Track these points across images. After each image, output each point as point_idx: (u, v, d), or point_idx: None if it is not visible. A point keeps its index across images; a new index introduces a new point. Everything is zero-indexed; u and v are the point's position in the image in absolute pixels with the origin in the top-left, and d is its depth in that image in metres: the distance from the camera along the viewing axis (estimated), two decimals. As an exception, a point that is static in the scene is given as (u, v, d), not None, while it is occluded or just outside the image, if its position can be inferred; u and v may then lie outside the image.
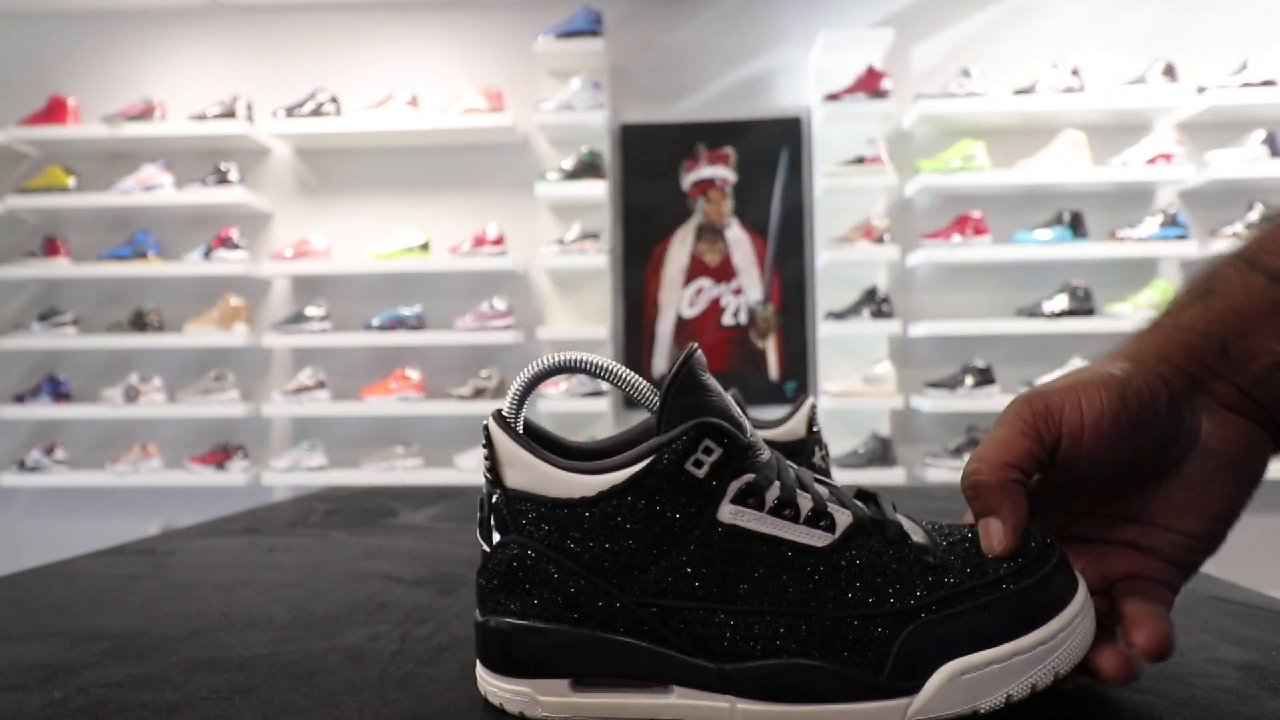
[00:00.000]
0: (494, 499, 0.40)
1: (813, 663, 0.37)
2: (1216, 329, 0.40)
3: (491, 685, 0.40)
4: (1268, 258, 0.40)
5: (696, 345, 0.40)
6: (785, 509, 0.38)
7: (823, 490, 0.40)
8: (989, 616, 0.37)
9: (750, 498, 0.38)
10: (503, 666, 0.40)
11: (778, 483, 0.38)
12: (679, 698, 0.38)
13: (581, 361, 0.40)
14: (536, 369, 0.40)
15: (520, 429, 0.41)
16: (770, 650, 0.37)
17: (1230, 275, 0.41)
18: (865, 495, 0.42)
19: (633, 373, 0.41)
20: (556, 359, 0.40)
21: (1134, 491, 0.41)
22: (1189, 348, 0.40)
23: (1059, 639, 0.37)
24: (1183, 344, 0.41)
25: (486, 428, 0.40)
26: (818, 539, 0.38)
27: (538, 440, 0.42)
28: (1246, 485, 0.41)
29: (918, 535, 0.39)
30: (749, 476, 0.38)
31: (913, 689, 0.36)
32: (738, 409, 0.40)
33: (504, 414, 0.41)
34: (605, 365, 0.40)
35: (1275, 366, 0.40)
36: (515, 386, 0.41)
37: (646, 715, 0.38)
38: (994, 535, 0.38)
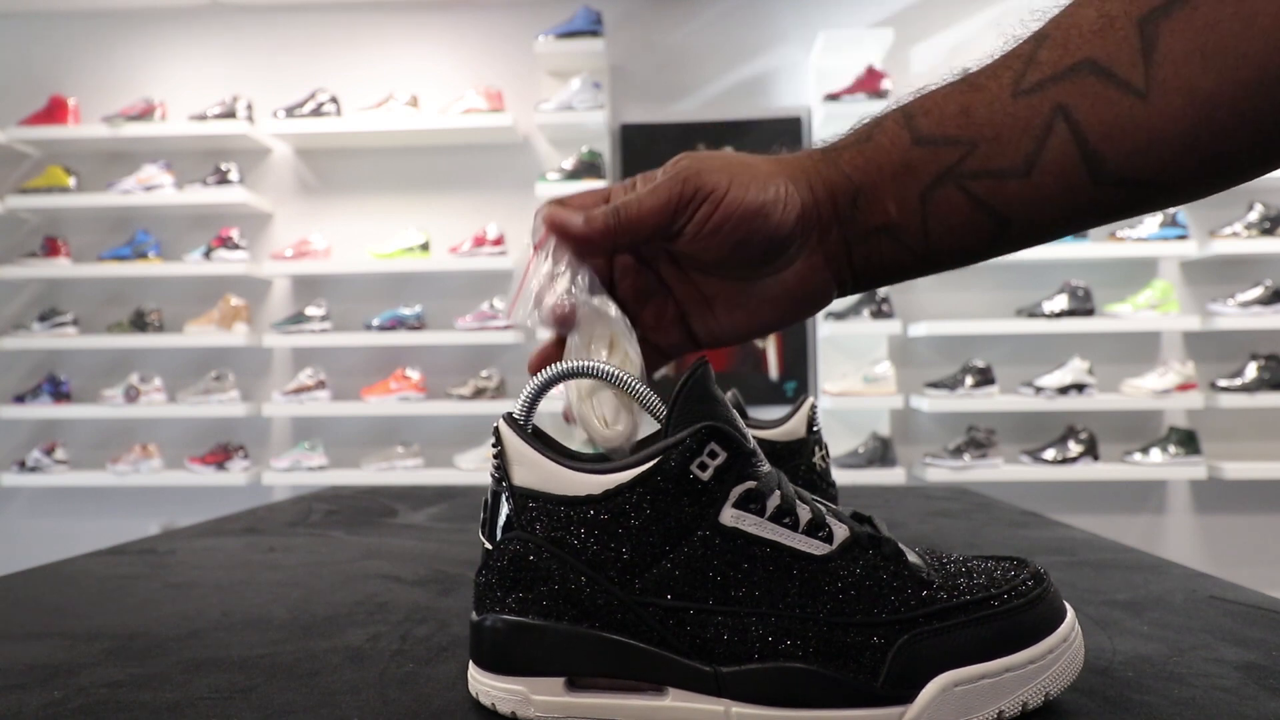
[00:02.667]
0: (500, 496, 0.40)
1: (809, 668, 0.37)
2: (859, 177, 0.42)
3: (484, 684, 0.40)
4: (922, 118, 0.41)
5: (705, 358, 0.41)
6: (785, 517, 0.38)
7: (820, 507, 0.40)
8: (981, 631, 0.37)
9: (752, 503, 0.38)
10: (497, 665, 0.40)
11: (778, 492, 0.39)
12: (674, 700, 0.38)
13: (594, 369, 0.41)
14: (549, 374, 0.41)
15: (529, 431, 0.41)
16: (767, 654, 0.37)
17: (890, 127, 0.42)
18: (861, 517, 0.42)
19: (642, 381, 0.41)
20: (569, 365, 0.41)
21: (716, 273, 0.44)
22: (834, 189, 0.42)
23: (1049, 660, 0.38)
24: (833, 183, 0.42)
25: (497, 428, 0.40)
26: (816, 548, 0.38)
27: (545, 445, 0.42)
28: (783, 320, 0.45)
29: (912, 555, 0.40)
30: (751, 483, 0.38)
31: (907, 698, 0.36)
32: (742, 423, 0.40)
33: (514, 416, 0.41)
34: (616, 374, 0.41)
35: (880, 228, 0.42)
36: (527, 390, 0.41)
37: (641, 718, 0.38)
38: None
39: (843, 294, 0.45)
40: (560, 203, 0.43)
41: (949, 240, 0.42)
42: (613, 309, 0.43)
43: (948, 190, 0.40)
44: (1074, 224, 0.41)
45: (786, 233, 0.41)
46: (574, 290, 0.42)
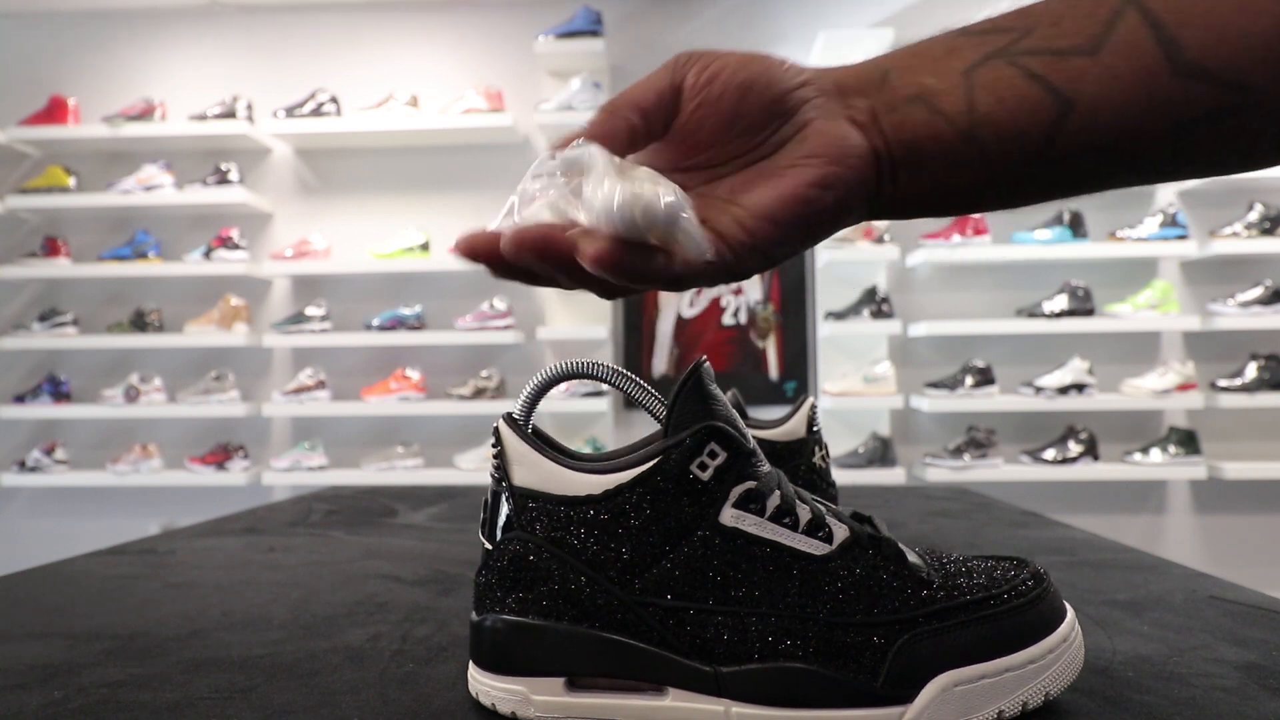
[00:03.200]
0: (500, 496, 0.40)
1: (809, 668, 0.37)
2: (886, 62, 0.38)
3: (484, 684, 0.40)
4: (975, 24, 0.38)
5: (705, 357, 0.40)
6: (785, 517, 0.38)
7: (820, 507, 0.40)
8: (980, 631, 0.37)
9: (752, 503, 0.38)
10: (497, 665, 0.40)
11: (778, 492, 0.39)
12: (674, 700, 0.38)
13: (593, 368, 0.41)
14: (549, 374, 0.41)
15: (529, 431, 0.41)
16: (767, 654, 0.37)
17: (937, 34, 0.39)
18: (861, 517, 0.42)
19: (642, 382, 0.41)
20: (569, 365, 0.41)
21: (722, 157, 0.39)
22: (854, 71, 0.38)
23: (1049, 660, 0.38)
24: (857, 69, 0.38)
25: (497, 428, 0.40)
26: (816, 548, 0.38)
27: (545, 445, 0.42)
28: (821, 184, 0.36)
29: (912, 556, 0.40)
30: (751, 483, 0.38)
31: (907, 698, 0.37)
32: (742, 423, 0.40)
33: (514, 416, 0.41)
34: (616, 373, 0.41)
35: (916, 95, 0.37)
36: (527, 390, 0.41)
37: (641, 718, 0.38)
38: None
39: (889, 194, 0.38)
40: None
41: (999, 113, 0.35)
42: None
43: (996, 66, 0.36)
44: (1151, 117, 0.34)
45: (789, 83, 0.37)
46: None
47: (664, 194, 0.32)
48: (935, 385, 2.88)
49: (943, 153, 0.37)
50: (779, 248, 0.37)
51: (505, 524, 0.40)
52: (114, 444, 3.18)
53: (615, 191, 0.32)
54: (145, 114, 3.05)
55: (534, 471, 0.40)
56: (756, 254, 0.36)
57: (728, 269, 0.36)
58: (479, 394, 2.98)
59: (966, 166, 0.37)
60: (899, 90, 0.37)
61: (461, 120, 2.94)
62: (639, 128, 0.37)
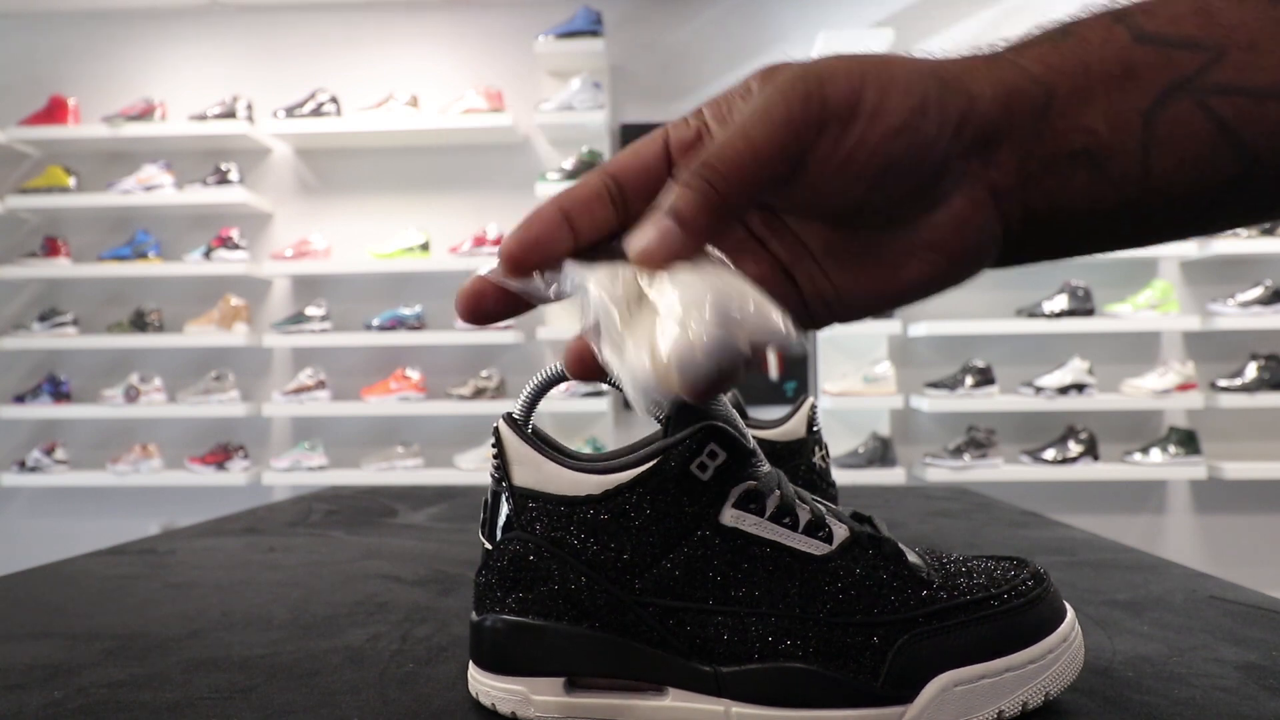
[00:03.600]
0: (500, 496, 0.40)
1: (809, 668, 0.37)
2: (1051, 77, 0.30)
3: (484, 684, 0.40)
4: (1142, 15, 0.30)
5: None
6: (785, 517, 0.38)
7: (820, 507, 0.40)
8: (980, 631, 0.37)
9: (752, 503, 0.38)
10: (497, 665, 0.40)
11: (778, 492, 0.39)
12: (674, 700, 0.38)
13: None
14: (549, 374, 0.41)
15: (529, 431, 0.41)
16: (767, 654, 0.37)
17: (1095, 24, 0.31)
18: (861, 517, 0.42)
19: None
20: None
21: (834, 221, 0.32)
22: (1013, 92, 0.30)
23: (1048, 660, 0.38)
24: (1010, 85, 0.30)
25: (497, 428, 0.40)
26: (816, 548, 0.38)
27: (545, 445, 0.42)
28: (932, 289, 0.32)
29: (912, 555, 0.40)
30: (751, 483, 0.38)
31: (907, 698, 0.36)
32: (742, 423, 0.40)
33: (514, 416, 0.41)
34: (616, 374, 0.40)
35: (1079, 151, 0.30)
36: (526, 391, 0.41)
37: (641, 718, 0.38)
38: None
39: (1004, 254, 0.33)
40: (577, 193, 0.30)
41: (1176, 178, 0.29)
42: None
43: (1183, 106, 0.29)
44: None
45: (941, 153, 0.29)
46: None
47: (701, 334, 0.26)
48: (935, 385, 2.88)
49: (1095, 222, 0.31)
50: (860, 318, 0.33)
51: (505, 524, 0.40)
52: (114, 444, 3.18)
53: (632, 362, 0.27)
54: (145, 114, 3.05)
55: (534, 471, 0.40)
56: (838, 323, 0.33)
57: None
58: (479, 394, 2.98)
59: (1115, 232, 0.32)
60: (1062, 139, 0.30)
61: (461, 120, 2.94)
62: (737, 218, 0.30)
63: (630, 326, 0.28)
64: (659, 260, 0.28)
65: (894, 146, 0.29)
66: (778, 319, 0.27)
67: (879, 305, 0.33)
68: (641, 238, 0.28)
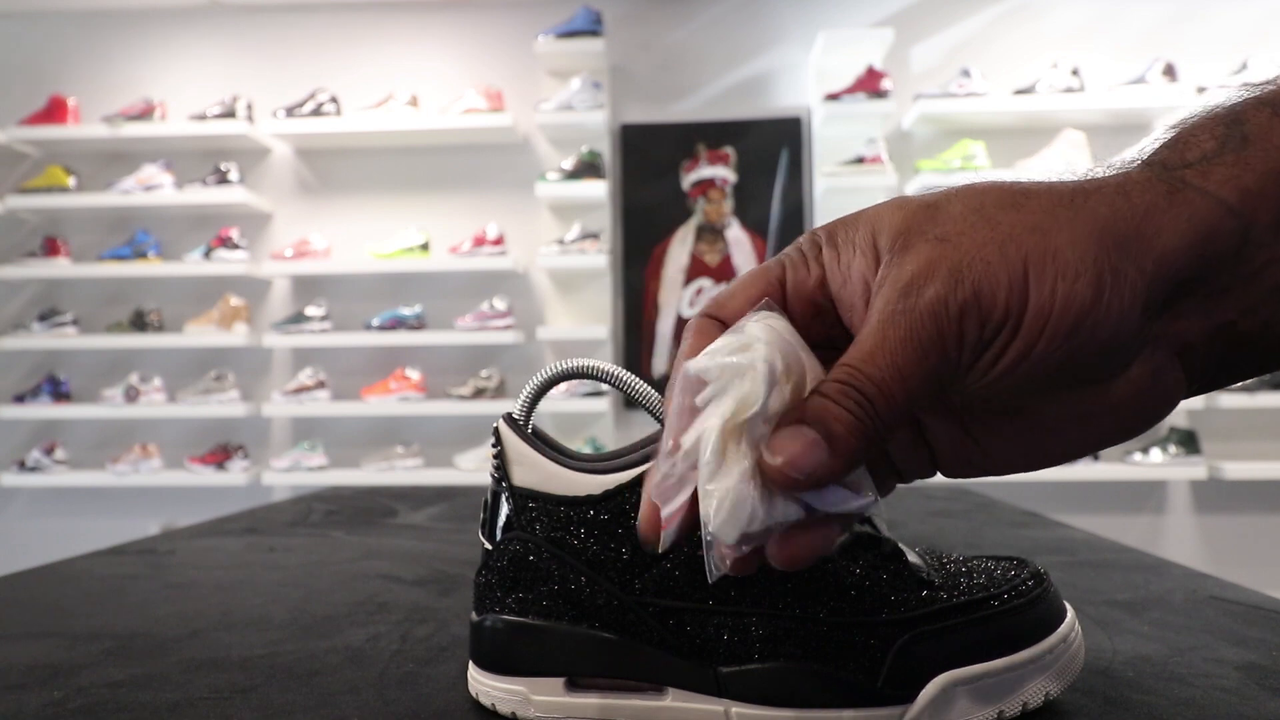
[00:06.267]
0: (500, 496, 0.40)
1: (809, 668, 0.37)
2: (1249, 205, 0.25)
3: (484, 685, 0.40)
4: None
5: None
6: None
7: None
8: (981, 632, 0.37)
9: (751, 503, 0.38)
10: (497, 665, 0.40)
11: None
12: (674, 700, 0.38)
13: (593, 369, 0.40)
14: (549, 373, 0.41)
15: (529, 431, 0.41)
16: (767, 654, 0.37)
17: (1262, 120, 0.25)
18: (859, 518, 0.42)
19: (642, 381, 0.41)
20: (569, 365, 0.40)
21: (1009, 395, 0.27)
22: (1208, 237, 0.25)
23: (1048, 660, 0.38)
24: (1203, 230, 0.25)
25: (497, 428, 0.40)
26: None
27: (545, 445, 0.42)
28: (1104, 443, 0.28)
29: (912, 555, 0.40)
30: None
31: (907, 697, 0.36)
32: None
33: (514, 416, 0.41)
34: (616, 373, 0.40)
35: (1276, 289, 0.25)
36: (526, 390, 0.41)
37: (641, 718, 0.38)
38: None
39: (1189, 394, 0.28)
40: (700, 335, 0.28)
41: None
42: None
43: None
44: None
45: (1127, 338, 0.25)
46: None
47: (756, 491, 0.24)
48: (935, 385, 2.87)
49: None
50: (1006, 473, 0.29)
51: (505, 524, 0.40)
52: (114, 444, 3.18)
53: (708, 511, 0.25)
54: (145, 114, 3.05)
55: (534, 471, 0.40)
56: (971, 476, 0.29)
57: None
58: (479, 394, 2.98)
59: None
60: (1261, 272, 0.25)
61: (461, 120, 2.94)
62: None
63: (717, 478, 0.25)
64: (799, 477, 0.24)
65: (1069, 347, 0.25)
66: (862, 498, 0.26)
67: (1030, 467, 0.29)
68: (786, 447, 0.24)
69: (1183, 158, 0.26)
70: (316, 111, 3.02)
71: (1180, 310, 0.26)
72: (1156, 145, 0.27)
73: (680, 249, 3.11)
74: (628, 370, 0.41)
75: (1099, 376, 0.26)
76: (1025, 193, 0.26)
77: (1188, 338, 0.26)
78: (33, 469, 3.06)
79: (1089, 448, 0.28)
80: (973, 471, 0.30)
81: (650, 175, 3.12)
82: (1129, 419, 0.27)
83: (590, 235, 2.94)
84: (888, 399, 0.25)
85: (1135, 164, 0.27)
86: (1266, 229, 0.25)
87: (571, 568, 0.39)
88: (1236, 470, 2.76)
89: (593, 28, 2.92)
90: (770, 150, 3.08)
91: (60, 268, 3.04)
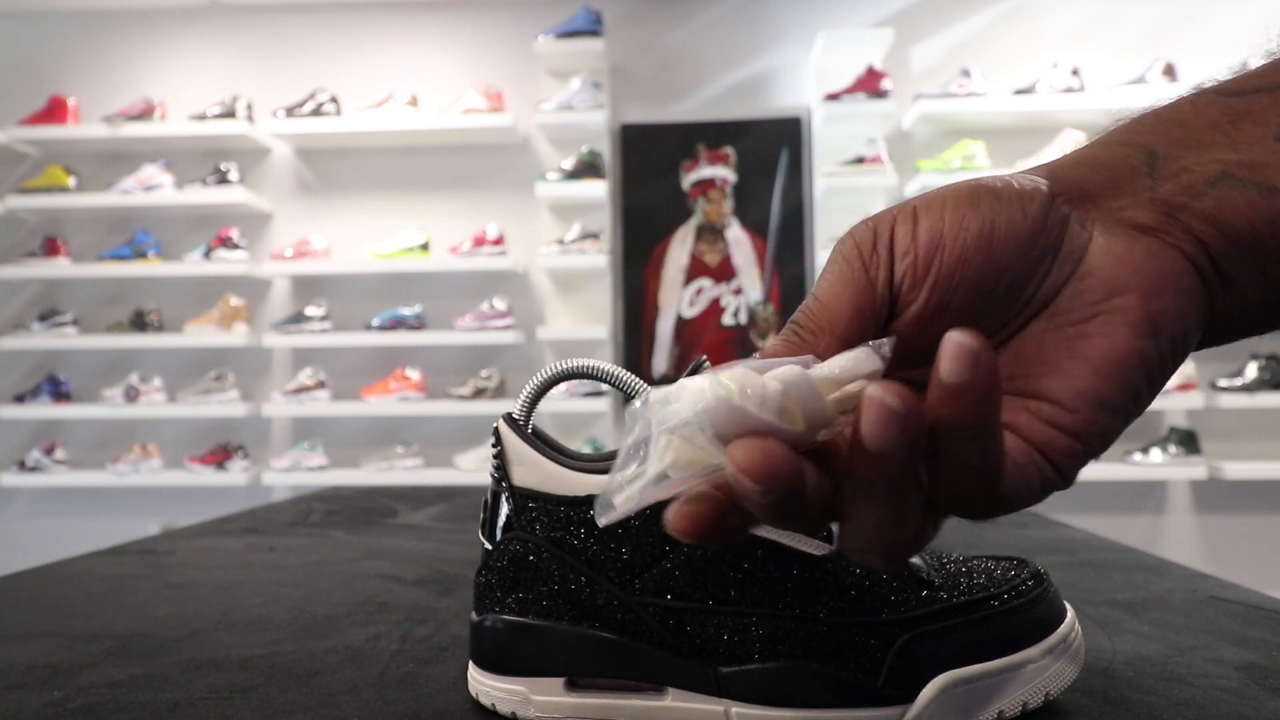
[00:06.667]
0: (500, 496, 0.40)
1: (809, 668, 0.37)
2: (1143, 139, 0.29)
3: (484, 685, 0.40)
4: (1226, 84, 0.30)
5: (705, 357, 0.40)
6: None
7: None
8: (981, 632, 0.37)
9: (752, 502, 0.38)
10: (497, 665, 0.40)
11: None
12: (674, 700, 0.38)
13: (593, 369, 0.40)
14: (549, 374, 0.41)
15: (529, 431, 0.41)
16: (767, 654, 0.37)
17: (1179, 102, 0.30)
18: None
19: (642, 381, 0.41)
20: (569, 365, 0.40)
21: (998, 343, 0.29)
22: (1102, 161, 0.29)
23: (1048, 660, 0.38)
24: (1095, 158, 0.29)
25: (497, 428, 0.40)
26: (816, 548, 0.38)
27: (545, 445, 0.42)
28: (1149, 333, 0.27)
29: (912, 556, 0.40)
30: None
31: (907, 698, 0.36)
32: None
33: (514, 416, 0.41)
34: (615, 373, 0.40)
35: (1221, 176, 0.27)
36: (526, 390, 0.41)
37: (641, 718, 0.38)
38: None
39: (1206, 288, 0.28)
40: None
41: None
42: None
43: None
44: None
45: (1033, 211, 0.28)
46: None
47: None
48: (935, 385, 2.87)
49: None
50: (1114, 434, 0.27)
51: (505, 524, 0.40)
52: (114, 444, 3.18)
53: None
54: (145, 114, 3.05)
55: (534, 471, 0.40)
56: (1091, 456, 0.27)
57: (1051, 489, 0.26)
58: (479, 394, 2.98)
59: None
60: (1186, 171, 0.28)
61: (461, 120, 2.94)
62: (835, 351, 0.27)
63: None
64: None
65: (969, 230, 0.28)
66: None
67: (1120, 395, 0.27)
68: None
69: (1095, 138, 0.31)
70: (316, 111, 3.02)
71: (1112, 205, 0.28)
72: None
73: (680, 249, 3.12)
74: (628, 370, 0.41)
75: (1047, 278, 0.28)
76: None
77: (1137, 219, 0.28)
78: (33, 469, 3.06)
79: (1130, 343, 0.27)
80: (1079, 450, 0.27)
81: (650, 175, 3.12)
82: (1139, 292, 0.27)
83: (590, 235, 2.94)
84: (812, 324, 0.28)
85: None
86: (1172, 149, 0.28)
87: (571, 568, 0.39)
88: (1236, 470, 2.76)
89: (593, 28, 2.92)
90: (770, 150, 3.08)
91: (60, 268, 3.04)
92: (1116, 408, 0.27)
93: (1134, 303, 0.27)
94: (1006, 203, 0.28)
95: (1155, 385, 0.27)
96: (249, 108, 3.05)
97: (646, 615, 0.38)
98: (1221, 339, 0.30)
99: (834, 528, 0.39)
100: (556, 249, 2.92)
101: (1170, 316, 0.27)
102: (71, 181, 3.07)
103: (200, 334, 3.02)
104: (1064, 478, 0.26)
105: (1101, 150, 0.29)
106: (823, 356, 0.26)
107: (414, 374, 3.00)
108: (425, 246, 3.03)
